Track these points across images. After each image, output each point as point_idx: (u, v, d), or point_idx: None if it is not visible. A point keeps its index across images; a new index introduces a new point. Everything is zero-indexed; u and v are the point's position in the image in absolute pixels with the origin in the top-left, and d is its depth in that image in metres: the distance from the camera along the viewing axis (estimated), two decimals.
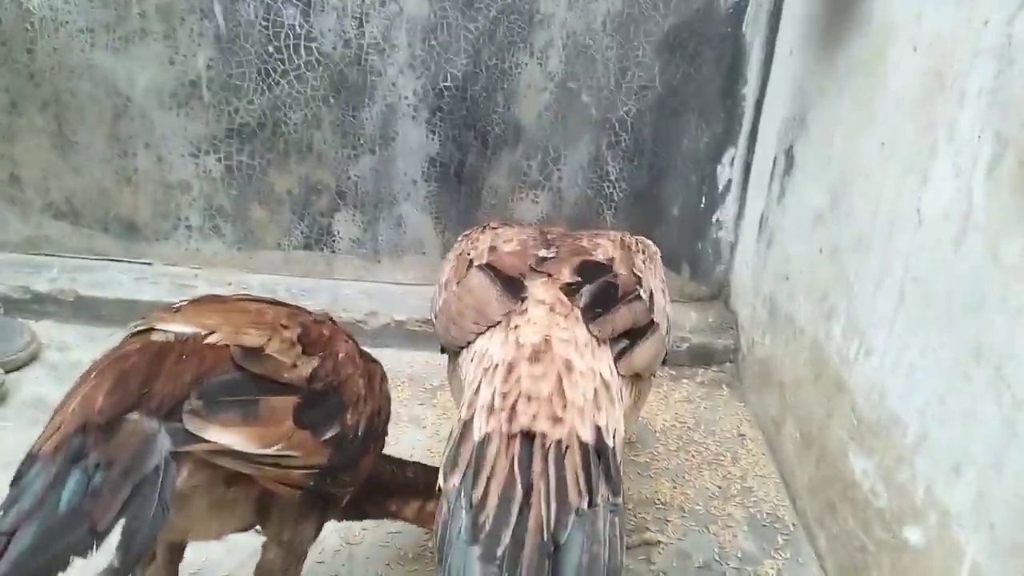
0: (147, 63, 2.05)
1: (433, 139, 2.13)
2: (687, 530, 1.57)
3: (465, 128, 2.12)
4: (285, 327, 0.98)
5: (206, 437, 0.80)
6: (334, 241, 2.24)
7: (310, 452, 0.91)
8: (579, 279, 1.13)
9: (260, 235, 2.24)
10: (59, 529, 0.69)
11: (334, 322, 1.13)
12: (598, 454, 0.91)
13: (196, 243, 2.24)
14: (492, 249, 1.24)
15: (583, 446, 0.91)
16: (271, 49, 2.04)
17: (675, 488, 1.70)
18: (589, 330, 1.06)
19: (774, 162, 1.97)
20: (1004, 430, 1.01)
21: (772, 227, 1.96)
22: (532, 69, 2.08)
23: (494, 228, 1.35)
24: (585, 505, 0.86)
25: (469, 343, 1.11)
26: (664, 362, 1.27)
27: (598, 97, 2.11)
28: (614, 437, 0.96)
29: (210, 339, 0.91)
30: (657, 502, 1.65)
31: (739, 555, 1.52)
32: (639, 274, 1.19)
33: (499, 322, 1.09)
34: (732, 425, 1.95)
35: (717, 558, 1.51)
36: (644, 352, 1.12)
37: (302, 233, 2.23)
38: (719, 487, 1.71)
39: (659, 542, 1.52)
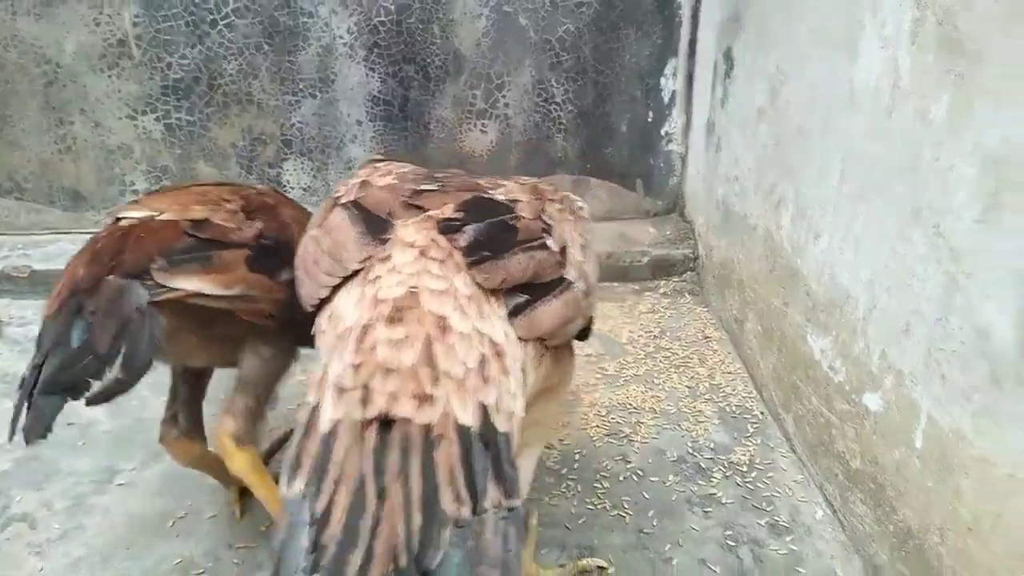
0: (72, 27, 2.00)
1: (373, 77, 2.11)
2: (660, 429, 1.61)
3: (404, 62, 2.10)
4: (227, 200, 1.17)
5: (174, 286, 1.01)
6: (285, 190, 2.22)
7: (268, 290, 1.10)
8: (465, 218, 0.89)
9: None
10: (74, 358, 0.92)
11: (280, 193, 1.32)
12: (484, 442, 0.70)
13: None
14: (364, 185, 1.00)
15: (462, 432, 0.70)
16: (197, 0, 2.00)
17: (646, 392, 1.74)
18: (474, 279, 0.83)
19: (715, 67, 1.98)
20: (947, 282, 1.05)
21: (719, 132, 1.98)
22: None
23: (375, 163, 1.13)
24: (467, 514, 0.65)
25: (325, 301, 0.91)
26: (585, 335, 1.04)
27: (535, 18, 2.09)
28: (510, 419, 0.75)
29: (161, 218, 1.09)
30: (629, 407, 1.69)
31: (711, 446, 1.57)
32: (549, 222, 0.94)
33: (359, 271, 0.88)
34: (697, 329, 1.99)
35: (691, 451, 1.55)
36: (551, 312, 0.87)
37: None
38: (688, 387, 1.76)
39: (601, 568, 1.28)
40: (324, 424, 0.70)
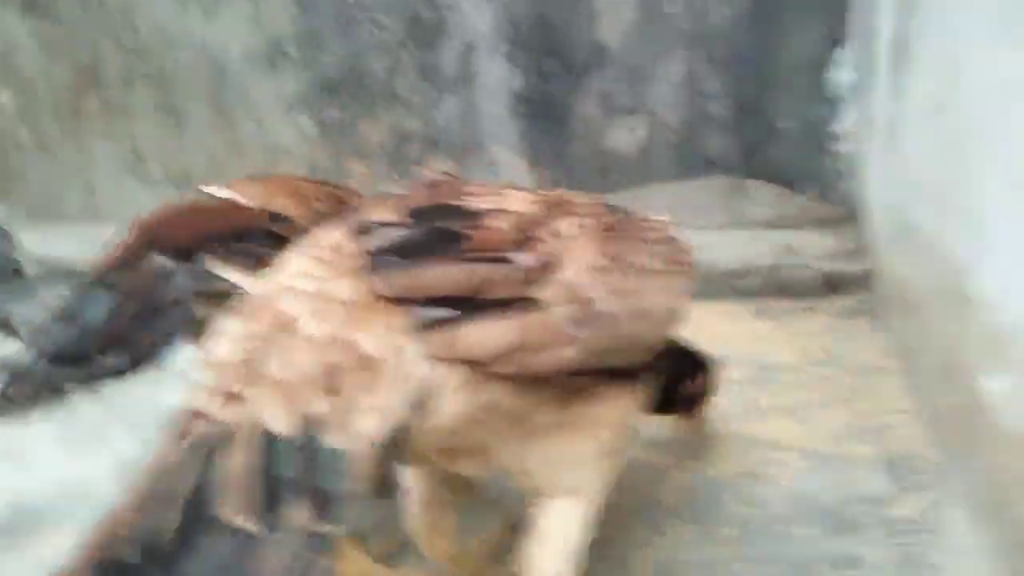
0: (236, 24, 2.09)
1: (515, 72, 2.03)
2: (808, 472, 1.40)
3: (547, 57, 2.01)
4: (319, 201, 1.08)
5: (223, 277, 0.94)
6: None
7: None
8: (403, 221, 0.79)
9: (361, 190, 2.24)
10: (83, 330, 0.92)
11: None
12: (304, 455, 0.64)
13: None
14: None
15: (265, 438, 0.63)
16: None
17: (797, 427, 1.52)
18: (369, 283, 0.73)
19: (891, 54, 1.72)
20: None
21: (894, 129, 1.72)
22: None
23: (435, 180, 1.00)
24: (250, 525, 0.60)
25: None
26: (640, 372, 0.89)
27: (685, 6, 1.92)
28: (356, 440, 0.66)
29: (240, 203, 1.03)
30: (774, 443, 1.48)
31: (867, 497, 1.34)
32: (547, 236, 0.82)
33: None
34: (868, 358, 1.73)
35: (841, 500, 1.33)
36: (489, 331, 0.74)
37: (400, 184, 2.22)
38: (849, 424, 1.52)
39: None
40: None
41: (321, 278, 0.74)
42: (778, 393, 1.63)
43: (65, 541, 1.28)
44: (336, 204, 1.10)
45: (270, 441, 0.63)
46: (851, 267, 1.96)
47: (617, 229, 0.90)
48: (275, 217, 1.01)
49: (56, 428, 1.59)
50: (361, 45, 2.06)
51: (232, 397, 0.65)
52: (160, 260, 0.94)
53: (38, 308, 1.94)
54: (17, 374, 0.93)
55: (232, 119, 2.19)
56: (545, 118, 2.07)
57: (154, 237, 0.97)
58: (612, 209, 0.94)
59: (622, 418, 0.93)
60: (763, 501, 1.34)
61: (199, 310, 0.93)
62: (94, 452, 1.53)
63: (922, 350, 1.54)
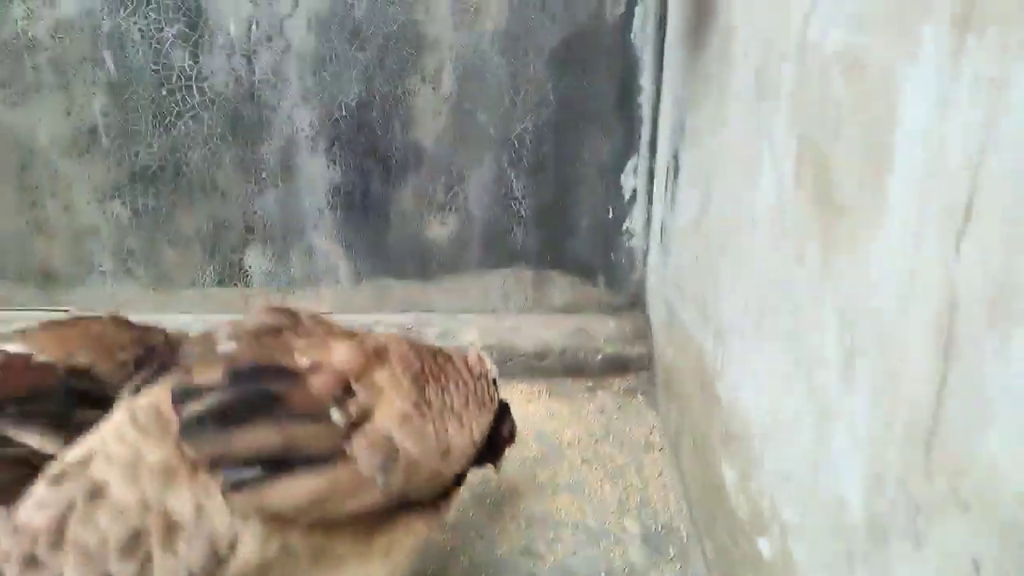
0: (45, 115, 2.08)
1: (335, 168, 2.14)
2: (578, 546, 1.56)
3: (365, 156, 2.13)
4: (123, 349, 1.09)
5: (21, 441, 0.92)
6: (247, 276, 2.25)
7: None
8: (220, 384, 0.86)
9: (174, 275, 2.25)
10: None
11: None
12: None
13: (112, 287, 2.25)
14: (208, 334, 1.01)
15: None
16: (164, 92, 2.06)
17: (574, 503, 1.69)
18: (181, 449, 0.80)
19: (667, 169, 1.97)
20: (816, 440, 1.01)
21: (668, 234, 1.96)
22: (426, 93, 2.09)
23: (266, 309, 1.08)
24: None
25: None
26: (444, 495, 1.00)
27: (494, 115, 2.11)
28: None
29: (40, 358, 1.02)
30: (552, 519, 1.64)
31: (626, 569, 1.51)
32: (361, 389, 0.92)
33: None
34: (642, 435, 1.94)
35: (603, 573, 1.50)
36: (295, 488, 0.82)
37: (215, 270, 2.24)
38: (619, 500, 1.70)
39: None
40: None
41: (134, 443, 0.79)
42: (562, 470, 1.79)
43: None
44: (142, 349, 1.10)
45: None
46: (633, 350, 2.18)
47: (429, 373, 1.01)
48: (75, 372, 1.01)
49: None
50: (179, 137, 2.10)
51: (32, 562, 0.69)
52: None
53: None
54: None
55: (39, 201, 2.16)
56: (363, 210, 2.18)
57: None
58: (428, 352, 1.05)
59: (417, 543, 1.03)
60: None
61: None
62: None
63: (683, 432, 1.75)
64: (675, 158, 1.88)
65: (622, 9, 2.05)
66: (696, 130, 1.70)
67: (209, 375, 0.87)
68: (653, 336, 2.16)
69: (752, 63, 1.29)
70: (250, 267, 2.24)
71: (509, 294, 2.30)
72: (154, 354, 1.11)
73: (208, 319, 2.24)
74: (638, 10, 2.05)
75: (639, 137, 2.15)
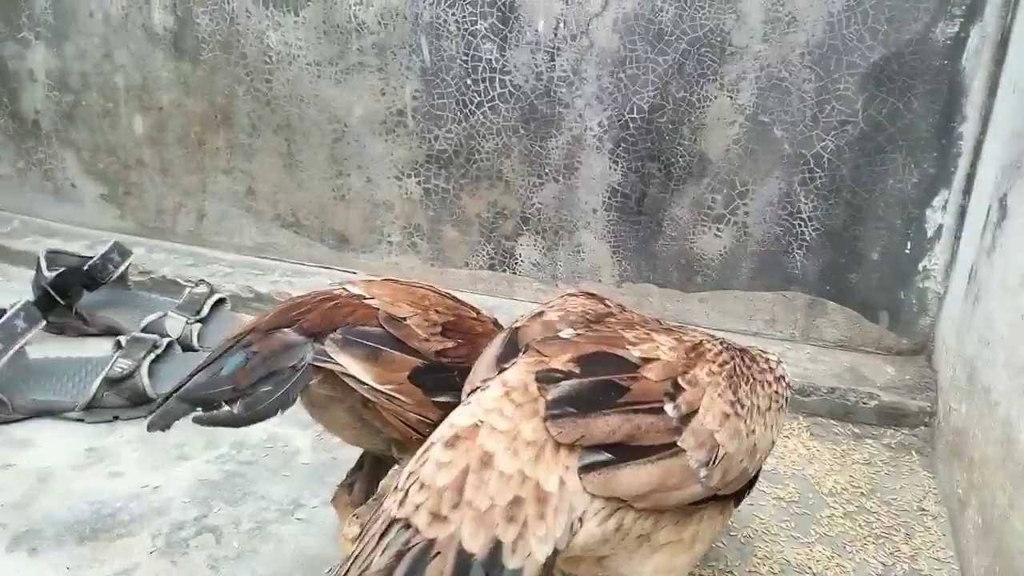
0: (363, 94, 2.27)
1: (616, 169, 2.14)
2: None
3: (649, 159, 2.11)
4: (438, 312, 1.23)
5: (336, 359, 1.10)
6: (516, 264, 2.32)
7: (419, 403, 1.14)
8: (574, 370, 0.93)
9: (450, 254, 2.38)
10: (217, 382, 1.07)
11: (498, 325, 1.33)
12: (486, 571, 0.76)
13: (396, 257, 2.43)
14: (536, 315, 1.11)
15: (462, 556, 0.76)
16: (469, 82, 2.17)
17: (832, 557, 1.56)
18: (547, 429, 0.87)
19: (988, 210, 1.75)
20: None
21: (980, 282, 1.75)
22: (722, 102, 2.02)
23: (573, 296, 1.19)
24: None
25: None
26: (739, 498, 1.04)
27: (792, 132, 2.00)
28: (526, 559, 0.79)
29: (369, 301, 1.19)
30: (807, 570, 1.53)
31: None
32: (687, 385, 0.96)
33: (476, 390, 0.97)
34: (914, 497, 1.75)
35: None
36: (637, 475, 0.88)
37: (487, 254, 2.34)
38: (884, 564, 1.55)
39: None
40: (381, 513, 0.83)
41: (511, 419, 0.89)
42: (821, 520, 1.66)
43: (140, 549, 1.43)
44: (454, 316, 1.24)
45: (465, 559, 0.76)
46: (913, 402, 1.98)
47: (738, 373, 1.05)
48: (392, 319, 1.17)
49: (141, 438, 1.75)
50: (476, 125, 2.20)
51: (438, 517, 0.79)
52: (292, 334, 1.11)
53: (139, 318, 2.10)
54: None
55: (345, 171, 2.36)
56: (637, 214, 2.16)
57: (294, 316, 1.15)
58: (737, 351, 1.09)
59: (717, 534, 1.08)
60: None
61: (309, 383, 1.10)
62: (174, 467, 1.67)
63: (969, 504, 1.56)
64: (1002, 200, 1.67)
65: (956, 29, 1.85)
66: None
67: (562, 360, 0.95)
68: (939, 390, 1.95)
69: None
70: (520, 256, 2.31)
71: (776, 319, 2.18)
72: (461, 327, 1.23)
73: (473, 299, 2.33)
74: (974, 31, 1.84)
75: (954, 171, 1.94)
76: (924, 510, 1.72)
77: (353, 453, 1.43)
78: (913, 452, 1.92)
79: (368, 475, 1.38)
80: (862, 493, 1.76)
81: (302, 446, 1.78)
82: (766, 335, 2.20)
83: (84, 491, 1.57)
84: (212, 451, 1.73)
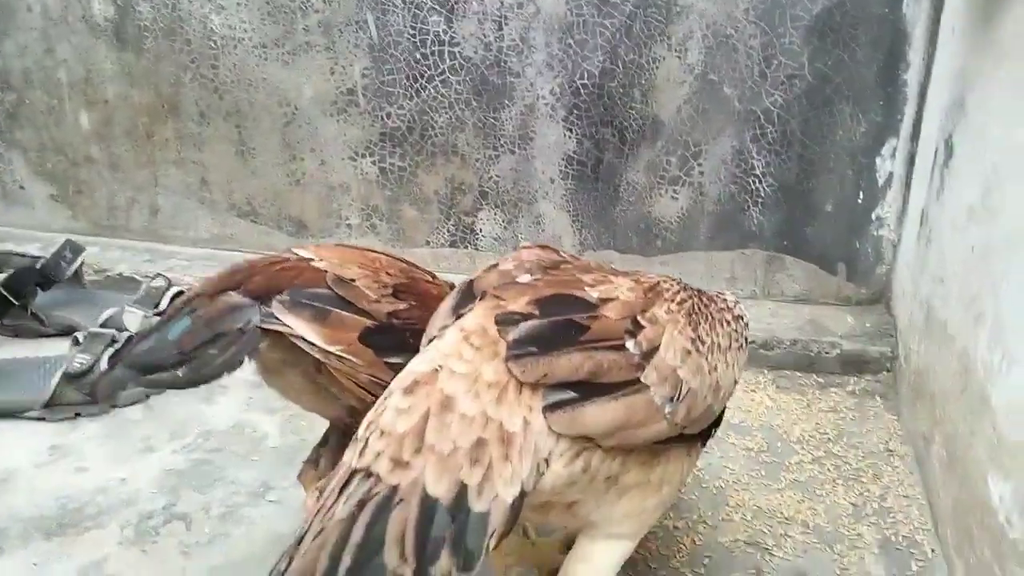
0: (311, 74, 2.24)
1: (570, 137, 2.14)
2: (808, 547, 1.47)
3: (602, 125, 2.11)
4: (389, 274, 1.22)
5: (283, 321, 1.09)
6: (477, 239, 2.32)
7: (370, 364, 1.13)
8: (533, 311, 0.92)
9: (411, 233, 2.36)
10: (163, 346, 1.07)
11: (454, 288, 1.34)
12: (452, 515, 0.75)
13: (355, 240, 2.40)
14: (494, 266, 1.08)
15: (426, 501, 0.75)
16: (418, 56, 2.15)
17: (803, 501, 1.59)
18: (509, 369, 0.86)
19: (935, 153, 1.79)
20: None
21: (931, 223, 1.78)
22: (670, 63, 2.03)
23: (528, 248, 1.16)
24: (408, 572, 0.71)
25: None
26: (705, 437, 1.05)
27: (741, 88, 2.02)
28: (492, 502, 0.78)
29: (317, 264, 1.18)
30: (779, 515, 1.55)
31: None
32: (646, 323, 0.95)
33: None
34: (880, 439, 1.79)
35: None
36: (602, 412, 0.87)
37: (448, 231, 2.33)
38: (853, 504, 1.58)
39: None
40: (341, 467, 0.81)
41: (471, 361, 0.87)
42: (790, 467, 1.69)
43: (108, 541, 1.40)
44: (407, 279, 1.23)
45: (429, 504, 0.75)
46: (874, 349, 2.02)
47: (697, 311, 1.04)
48: (340, 280, 1.16)
49: (105, 433, 1.73)
50: (427, 100, 2.19)
51: (399, 464, 0.78)
52: (237, 297, 1.10)
53: (96, 315, 2.06)
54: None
55: (298, 155, 2.34)
56: (594, 181, 2.17)
57: (240, 279, 1.13)
58: (690, 290, 1.09)
59: (684, 475, 1.08)
60: (762, 571, 1.41)
61: (260, 343, 1.10)
62: (140, 459, 1.65)
63: (932, 441, 1.60)
64: (947, 141, 1.70)
65: None
66: (979, 110, 1.52)
67: (520, 303, 0.94)
68: (899, 335, 1.99)
69: None
70: (481, 231, 2.31)
71: (737, 277, 2.21)
72: (415, 289, 1.22)
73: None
74: None
75: (901, 118, 1.97)
76: (891, 451, 1.75)
77: (321, 433, 1.42)
78: (877, 397, 1.95)
79: (334, 449, 1.36)
80: (829, 439, 1.79)
81: (270, 431, 1.76)
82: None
83: (49, 488, 1.54)
84: (178, 441, 1.70)
